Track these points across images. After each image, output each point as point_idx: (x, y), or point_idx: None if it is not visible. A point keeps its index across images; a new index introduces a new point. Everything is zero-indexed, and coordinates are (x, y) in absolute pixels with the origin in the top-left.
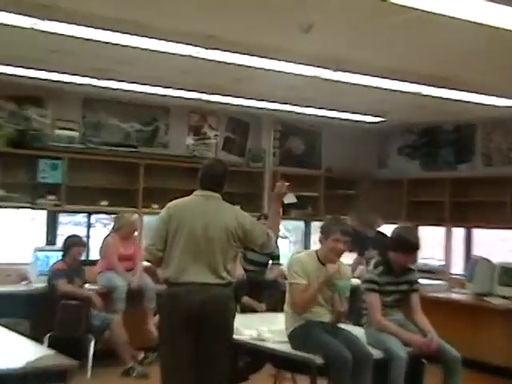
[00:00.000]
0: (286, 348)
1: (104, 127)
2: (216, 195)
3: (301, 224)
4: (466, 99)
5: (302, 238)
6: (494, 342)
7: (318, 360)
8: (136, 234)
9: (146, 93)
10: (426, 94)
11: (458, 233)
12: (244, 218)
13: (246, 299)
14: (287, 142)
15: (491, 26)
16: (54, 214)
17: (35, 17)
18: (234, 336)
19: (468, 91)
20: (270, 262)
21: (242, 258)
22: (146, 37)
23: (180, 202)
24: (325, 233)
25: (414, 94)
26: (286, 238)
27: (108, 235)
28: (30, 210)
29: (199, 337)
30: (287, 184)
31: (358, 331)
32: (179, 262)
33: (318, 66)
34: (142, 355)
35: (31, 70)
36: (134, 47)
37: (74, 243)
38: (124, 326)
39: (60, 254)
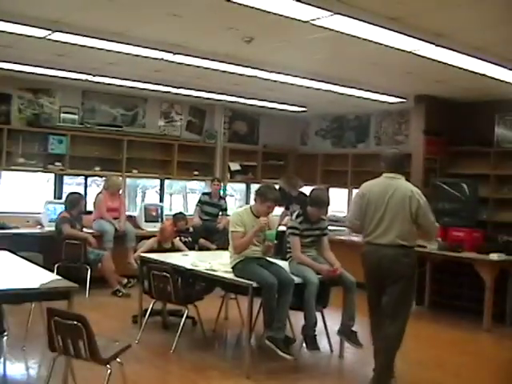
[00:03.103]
0: (230, 276)
1: (97, 112)
2: (398, 176)
3: (243, 186)
4: (364, 96)
5: (244, 197)
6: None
7: (254, 285)
8: (120, 192)
9: (129, 86)
10: (335, 91)
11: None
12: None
13: (202, 241)
14: (234, 125)
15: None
16: (60, 176)
17: (49, 29)
18: (193, 267)
19: (365, 90)
20: (220, 213)
21: (199, 210)
22: (128, 44)
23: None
24: (261, 196)
25: (327, 91)
26: (232, 196)
27: (100, 193)
28: (42, 173)
29: None
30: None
31: (284, 264)
32: None
33: (256, 68)
34: (125, 281)
35: (44, 69)
36: (119, 52)
37: (80, 198)
38: (112, 259)
39: (63, 206)
